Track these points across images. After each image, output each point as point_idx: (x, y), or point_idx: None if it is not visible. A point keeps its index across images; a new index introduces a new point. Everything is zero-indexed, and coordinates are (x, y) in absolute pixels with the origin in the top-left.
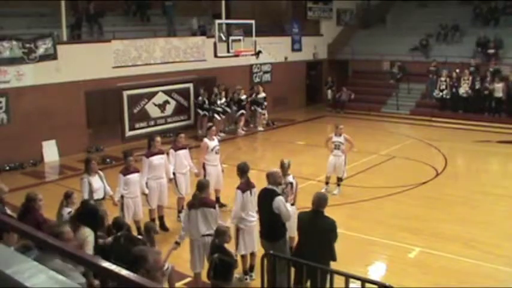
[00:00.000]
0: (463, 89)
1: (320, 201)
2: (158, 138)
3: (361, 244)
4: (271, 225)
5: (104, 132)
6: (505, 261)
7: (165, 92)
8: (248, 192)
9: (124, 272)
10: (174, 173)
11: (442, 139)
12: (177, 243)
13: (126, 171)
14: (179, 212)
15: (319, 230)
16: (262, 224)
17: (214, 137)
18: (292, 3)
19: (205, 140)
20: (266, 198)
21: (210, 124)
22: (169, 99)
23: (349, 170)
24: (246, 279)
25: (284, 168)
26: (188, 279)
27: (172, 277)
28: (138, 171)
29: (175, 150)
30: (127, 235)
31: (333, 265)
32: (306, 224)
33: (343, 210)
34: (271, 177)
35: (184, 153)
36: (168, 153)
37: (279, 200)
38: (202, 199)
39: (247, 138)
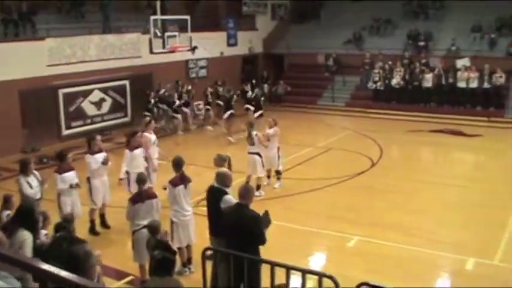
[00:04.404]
0: (396, 80)
1: (241, 193)
2: (98, 137)
3: (300, 235)
4: (218, 222)
5: (39, 132)
6: (442, 247)
7: (100, 89)
8: (182, 186)
9: (64, 273)
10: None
11: (377, 130)
12: None
13: (62, 170)
14: None
15: (240, 223)
16: (210, 221)
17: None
18: None
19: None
20: (213, 197)
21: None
22: (105, 97)
23: (287, 163)
24: (186, 271)
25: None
26: (130, 278)
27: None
28: (73, 169)
29: (131, 150)
30: (66, 236)
31: (274, 257)
32: (228, 218)
33: (282, 203)
34: (219, 177)
35: (139, 152)
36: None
37: (227, 199)
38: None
39: (188, 134)
